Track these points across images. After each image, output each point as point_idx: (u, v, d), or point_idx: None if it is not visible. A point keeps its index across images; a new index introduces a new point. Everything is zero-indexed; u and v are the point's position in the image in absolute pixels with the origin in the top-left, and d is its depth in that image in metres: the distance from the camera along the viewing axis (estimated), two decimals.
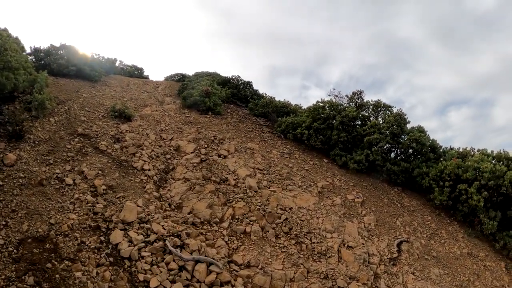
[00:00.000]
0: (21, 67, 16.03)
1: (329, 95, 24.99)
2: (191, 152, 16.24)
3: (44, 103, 14.73)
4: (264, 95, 26.38)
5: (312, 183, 16.84)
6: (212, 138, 17.88)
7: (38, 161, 12.33)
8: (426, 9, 70.20)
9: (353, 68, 78.01)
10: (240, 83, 27.09)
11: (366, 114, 22.42)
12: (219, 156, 16.66)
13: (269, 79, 76.60)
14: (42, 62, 21.11)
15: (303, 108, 24.56)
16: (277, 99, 25.09)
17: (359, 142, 20.63)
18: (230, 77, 27.18)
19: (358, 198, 16.70)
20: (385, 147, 20.22)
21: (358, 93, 23.37)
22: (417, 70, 74.45)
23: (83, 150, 13.72)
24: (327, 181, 17.37)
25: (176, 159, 15.69)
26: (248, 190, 14.76)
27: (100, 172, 12.80)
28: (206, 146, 16.96)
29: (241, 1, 72.08)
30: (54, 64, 20.90)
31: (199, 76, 28.16)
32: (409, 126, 20.60)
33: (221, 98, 23.33)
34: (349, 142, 20.60)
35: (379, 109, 22.51)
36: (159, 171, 14.48)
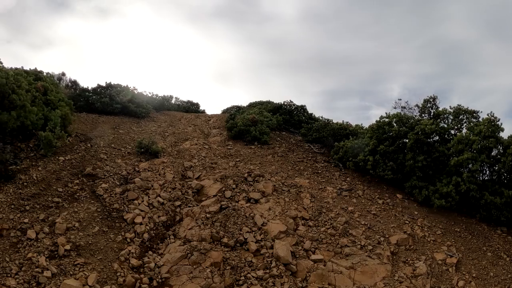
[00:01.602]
0: (39, 104, 14.16)
1: (395, 108, 17.89)
2: (213, 196, 12.25)
3: (51, 141, 12.43)
4: (320, 118, 22.19)
5: (382, 238, 11.32)
6: (246, 174, 13.94)
7: (13, 206, 9.77)
8: (473, 6, 61.32)
9: (411, 81, 69.95)
10: (293, 108, 23.11)
11: (445, 125, 15.92)
12: (249, 200, 12.32)
13: (325, 104, 71.60)
14: (89, 100, 19.57)
15: (364, 128, 19.43)
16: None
17: (442, 166, 14.47)
18: (282, 103, 23.45)
19: (451, 256, 10.99)
20: (479, 169, 13.61)
21: (431, 99, 17.19)
22: (477, 73, 64.70)
23: (76, 195, 10.89)
24: (405, 232, 11.70)
25: (189, 206, 11.79)
26: (274, 263, 9.74)
27: (76, 225, 9.72)
28: (234, 186, 12.91)
29: (287, 30, 69.11)
30: (98, 103, 19.31)
31: (252, 105, 25.15)
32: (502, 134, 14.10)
33: (271, 126, 19.71)
34: (429, 168, 14.34)
35: (460, 117, 15.97)
36: (156, 225, 10.63)
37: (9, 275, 7.73)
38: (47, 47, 60.02)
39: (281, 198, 12.65)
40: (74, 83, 23.38)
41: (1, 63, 14.03)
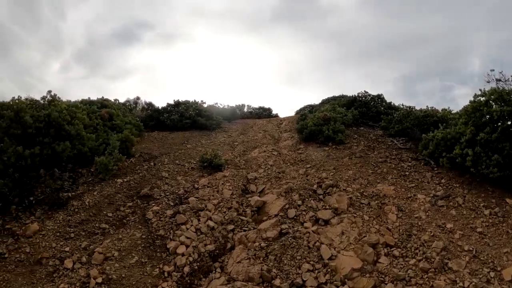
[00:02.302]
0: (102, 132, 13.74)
1: (488, 82, 12.97)
2: (274, 215, 10.01)
3: (107, 165, 11.69)
4: (401, 106, 18.91)
5: (492, 273, 7.69)
6: (316, 185, 11.42)
7: (59, 234, 8.99)
8: None
9: (492, 50, 59.30)
10: (368, 99, 20.07)
11: None
12: (316, 221, 9.73)
13: (403, 90, 63.93)
14: (160, 119, 19.11)
15: (453, 112, 15.87)
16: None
17: None
18: (356, 95, 20.40)
19: None
20: None
21: None
22: None
23: (125, 219, 9.78)
24: None
25: (245, 229, 9.76)
26: None
27: (115, 254, 8.50)
28: (300, 202, 10.50)
29: (349, 20, 63.46)
30: (168, 121, 18.71)
31: (324, 102, 22.94)
32: None
33: (347, 122, 17.20)
34: None
35: None
36: (201, 256, 8.83)
37: None
38: (123, 77, 63.29)
39: (358, 217, 9.84)
40: (150, 105, 23.35)
41: (59, 98, 13.84)
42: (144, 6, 61.28)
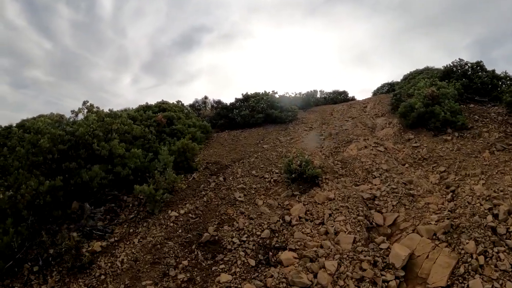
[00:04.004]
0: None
1: None
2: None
3: (154, 196, 7.06)
4: (504, 74, 12.42)
5: None
6: (489, 214, 5.79)
7: None
8: None
9: None
10: (466, 68, 13.39)
11: None
12: None
13: (481, 56, 52.13)
14: (229, 117, 14.45)
15: None
16: None
17: None
18: (451, 64, 13.89)
19: None
20: None
21: None
22: None
23: None
24: None
25: None
26: None
27: None
28: (474, 256, 5.07)
29: None
30: (238, 117, 13.97)
31: (409, 78, 16.68)
32: None
33: (453, 99, 11.10)
34: None
35: None
36: None
37: None
38: (190, 81, 60.39)
39: None
40: (218, 103, 18.82)
41: (98, 108, 9.37)
42: (199, 11, 57.09)
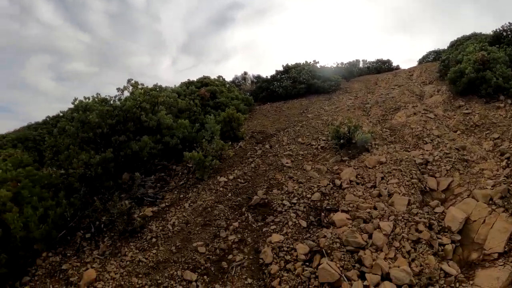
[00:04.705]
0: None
1: None
2: (498, 256, 4.45)
3: (203, 162, 6.93)
4: None
5: None
6: None
7: (125, 283, 4.55)
8: None
9: None
10: None
11: None
12: None
13: None
14: (270, 89, 14.10)
15: None
16: None
17: None
18: (501, 29, 12.31)
19: None
20: None
21: None
22: None
23: (226, 261, 4.80)
24: None
25: None
26: None
27: None
28: None
29: None
30: (279, 89, 13.58)
31: (456, 44, 15.34)
32: None
33: (504, 64, 9.94)
34: None
35: None
36: None
37: None
38: (227, 58, 60.08)
39: None
40: (258, 77, 18.48)
41: (142, 85, 9.26)
42: None
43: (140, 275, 4.71)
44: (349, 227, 5.03)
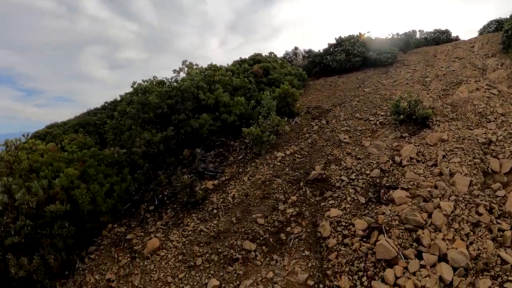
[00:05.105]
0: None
1: None
2: None
3: (261, 137, 6.99)
4: None
5: None
6: None
7: (182, 257, 4.81)
8: None
9: None
10: None
11: None
12: None
13: None
14: (324, 63, 13.78)
15: None
16: None
17: None
18: None
19: None
20: None
21: None
22: None
23: (285, 233, 4.82)
24: None
25: None
26: None
27: None
28: None
29: None
30: (333, 63, 13.22)
31: None
32: None
33: None
34: None
35: None
36: None
37: None
38: (276, 35, 58.86)
39: None
40: (309, 52, 18.06)
41: (197, 65, 9.41)
42: None
43: (201, 244, 4.94)
44: (408, 205, 4.86)
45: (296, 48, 18.86)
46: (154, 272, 4.66)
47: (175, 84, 8.39)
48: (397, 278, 3.88)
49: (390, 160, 6.08)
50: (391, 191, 5.28)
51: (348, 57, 13.08)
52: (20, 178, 5.40)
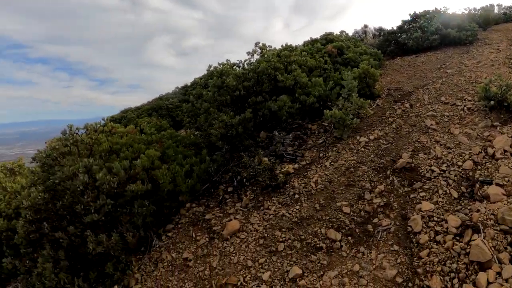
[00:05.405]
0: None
1: None
2: None
3: (344, 120, 6.79)
4: None
5: None
6: None
7: (263, 241, 4.87)
8: None
9: None
10: None
11: None
12: None
13: None
14: (399, 41, 13.01)
15: None
16: None
17: None
18: None
19: None
20: None
21: None
22: None
23: (372, 224, 4.69)
24: None
25: None
26: None
27: None
28: None
29: None
30: (409, 41, 12.44)
31: None
32: None
33: None
34: None
35: None
36: None
37: None
38: (341, 13, 55.51)
39: None
40: (380, 30, 17.05)
41: (270, 47, 9.22)
42: None
43: (283, 229, 4.99)
44: (504, 204, 4.46)
45: (365, 26, 17.92)
46: (233, 254, 4.80)
47: (251, 66, 8.37)
48: (489, 283, 3.60)
49: (483, 151, 5.62)
50: (485, 187, 4.88)
51: (426, 35, 12.16)
52: (101, 159, 5.72)
